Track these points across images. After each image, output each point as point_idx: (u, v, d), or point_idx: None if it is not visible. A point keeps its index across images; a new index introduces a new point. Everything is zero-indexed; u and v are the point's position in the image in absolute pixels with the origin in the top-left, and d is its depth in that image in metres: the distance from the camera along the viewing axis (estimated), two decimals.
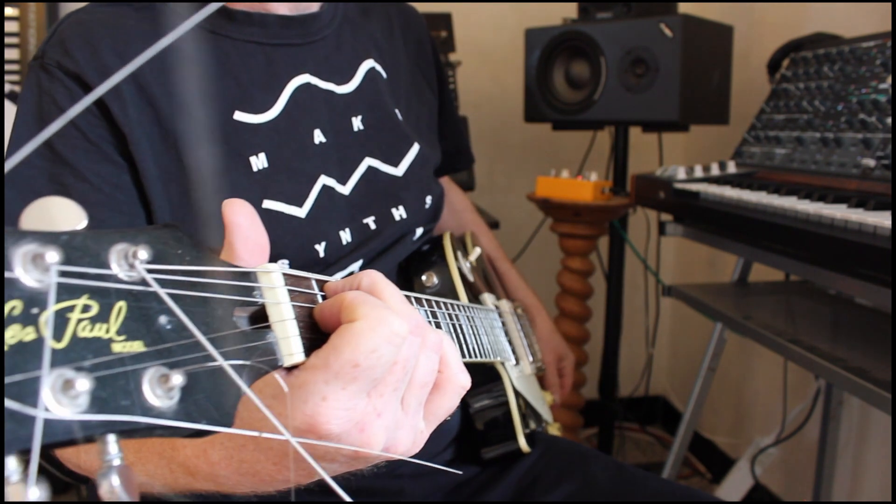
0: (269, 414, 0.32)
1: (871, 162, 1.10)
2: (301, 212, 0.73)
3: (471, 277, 0.90)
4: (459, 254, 0.89)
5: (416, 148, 0.85)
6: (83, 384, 0.27)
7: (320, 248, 0.74)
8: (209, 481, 0.47)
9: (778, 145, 1.33)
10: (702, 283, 1.57)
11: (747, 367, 1.99)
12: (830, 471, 1.58)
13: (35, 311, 0.26)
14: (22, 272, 0.26)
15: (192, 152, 0.68)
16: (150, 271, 0.30)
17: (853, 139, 1.17)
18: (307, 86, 0.77)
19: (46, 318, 0.26)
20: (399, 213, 0.81)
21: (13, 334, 0.25)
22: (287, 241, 0.71)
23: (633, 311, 2.23)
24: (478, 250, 0.96)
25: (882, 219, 0.87)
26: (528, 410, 0.88)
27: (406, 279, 0.84)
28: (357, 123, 0.80)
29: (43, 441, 0.24)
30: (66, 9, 1.82)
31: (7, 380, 0.24)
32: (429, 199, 0.86)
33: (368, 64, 0.84)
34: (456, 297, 0.83)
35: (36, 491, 0.24)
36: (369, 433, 0.38)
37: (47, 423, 0.25)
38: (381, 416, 0.39)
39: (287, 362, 0.36)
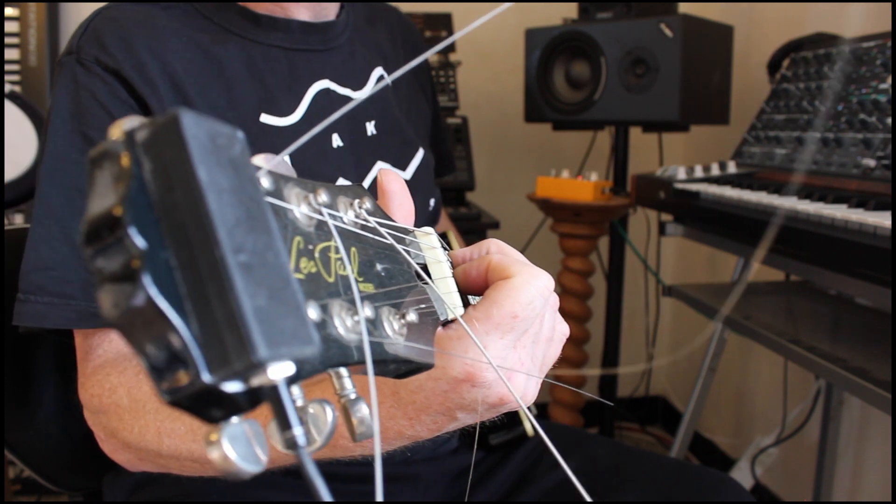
0: (480, 345, 0.38)
1: (871, 162, 1.10)
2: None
3: None
4: None
5: (420, 153, 0.88)
6: (365, 313, 0.29)
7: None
8: (328, 449, 0.50)
9: (778, 145, 1.33)
10: (702, 283, 1.57)
11: (747, 367, 1.99)
12: (830, 471, 1.58)
13: (310, 247, 0.28)
14: (297, 211, 0.28)
15: None
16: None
17: (853, 139, 1.17)
18: (326, 91, 0.79)
19: (318, 255, 0.28)
20: None
21: (305, 266, 0.27)
22: None
23: (633, 311, 2.23)
24: None
25: (882, 219, 0.87)
26: None
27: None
28: (371, 128, 0.82)
29: (335, 362, 0.27)
30: (67, 9, 1.82)
31: (317, 303, 0.26)
32: (432, 202, 0.89)
33: (378, 71, 0.86)
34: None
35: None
36: (514, 382, 0.42)
37: (338, 347, 0.27)
38: (523, 366, 0.42)
39: (450, 315, 0.39)
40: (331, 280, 0.28)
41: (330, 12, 0.81)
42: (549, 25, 1.68)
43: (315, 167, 0.75)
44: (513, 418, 0.87)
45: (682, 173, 1.35)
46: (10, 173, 1.37)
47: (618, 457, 0.84)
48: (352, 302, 0.29)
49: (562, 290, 1.80)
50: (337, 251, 0.30)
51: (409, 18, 0.99)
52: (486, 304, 0.39)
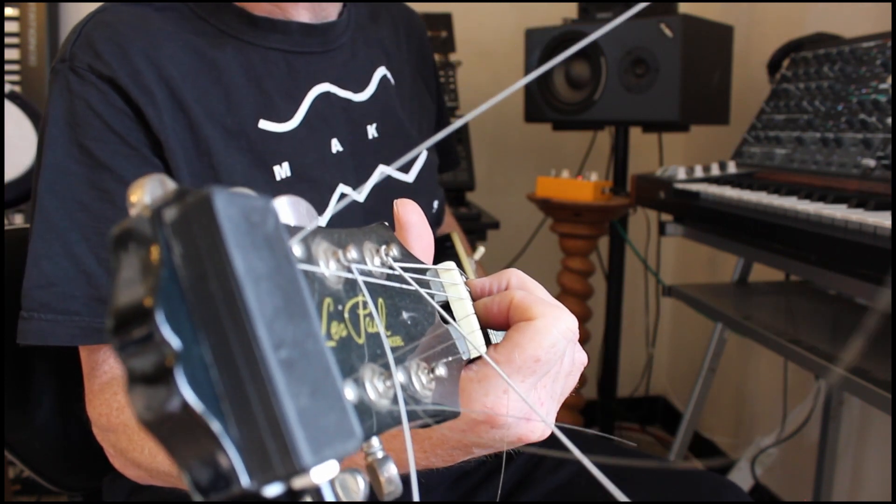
0: (524, 398, 0.37)
1: (871, 162, 1.10)
2: (321, 221, 0.73)
3: (477, 276, 0.91)
4: (466, 252, 0.90)
5: (423, 154, 0.86)
6: (400, 377, 0.29)
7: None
8: None
9: (778, 145, 1.33)
10: (702, 283, 1.57)
11: (747, 367, 1.99)
12: (830, 471, 1.58)
13: (340, 307, 0.27)
14: (325, 269, 0.27)
15: (220, 160, 0.67)
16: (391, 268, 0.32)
17: (853, 139, 1.17)
18: (327, 94, 0.77)
19: (348, 314, 0.27)
20: None
21: (336, 331, 0.26)
22: None
23: (633, 311, 2.23)
24: (482, 249, 0.97)
25: (882, 219, 0.87)
26: None
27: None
28: (372, 131, 0.81)
29: (369, 434, 0.26)
30: (67, 9, 1.82)
31: (352, 375, 0.26)
32: (436, 204, 0.88)
33: (381, 71, 0.84)
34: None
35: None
36: (534, 423, 0.41)
37: (371, 417, 0.26)
38: (543, 406, 0.41)
39: (474, 354, 0.38)
40: (360, 341, 0.28)
41: (331, 13, 0.78)
42: (549, 25, 1.68)
43: (314, 173, 0.73)
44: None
45: (682, 173, 1.35)
46: (10, 173, 1.37)
47: (618, 460, 0.84)
48: (383, 366, 0.28)
49: (562, 290, 1.80)
50: (365, 306, 0.29)
51: (414, 10, 0.97)
52: (509, 346, 0.38)
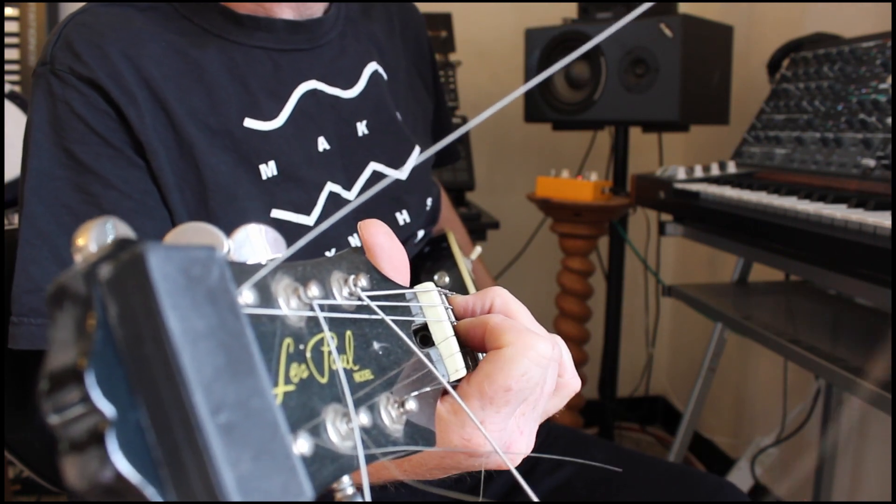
0: (483, 430, 0.36)
1: (871, 162, 1.10)
2: (309, 220, 0.72)
3: (472, 276, 0.90)
4: (462, 253, 0.90)
5: (416, 151, 0.85)
6: (363, 419, 0.28)
7: (329, 255, 0.74)
8: None
9: (778, 145, 1.33)
10: (702, 283, 1.57)
11: (747, 367, 1.99)
12: (830, 471, 1.58)
13: (301, 346, 0.26)
14: (286, 307, 0.26)
15: (204, 160, 0.67)
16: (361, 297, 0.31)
17: (853, 139, 1.17)
18: (314, 92, 0.76)
19: (310, 353, 0.26)
20: (403, 217, 0.81)
21: (296, 373, 0.25)
22: (297, 252, 0.71)
23: (633, 311, 2.23)
24: (478, 249, 0.97)
25: (882, 219, 0.87)
26: None
27: (415, 276, 0.85)
28: (362, 128, 0.79)
29: (330, 480, 0.25)
30: (67, 9, 1.81)
31: (310, 422, 0.25)
32: (429, 201, 0.86)
33: (372, 67, 0.83)
34: (467, 294, 0.84)
35: None
36: (514, 450, 0.41)
37: (334, 461, 0.25)
38: (524, 434, 0.41)
39: (454, 378, 0.38)
40: (324, 381, 0.27)
41: (316, 10, 0.77)
42: (549, 25, 1.68)
43: (301, 172, 0.72)
44: None
45: (681, 173, 1.35)
46: (10, 173, 1.37)
47: (617, 462, 0.83)
48: (347, 406, 0.27)
49: (562, 290, 1.80)
50: (328, 342, 0.28)
51: (417, 9, 0.95)
52: (479, 377, 0.37)
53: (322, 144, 0.75)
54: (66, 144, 0.64)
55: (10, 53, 1.71)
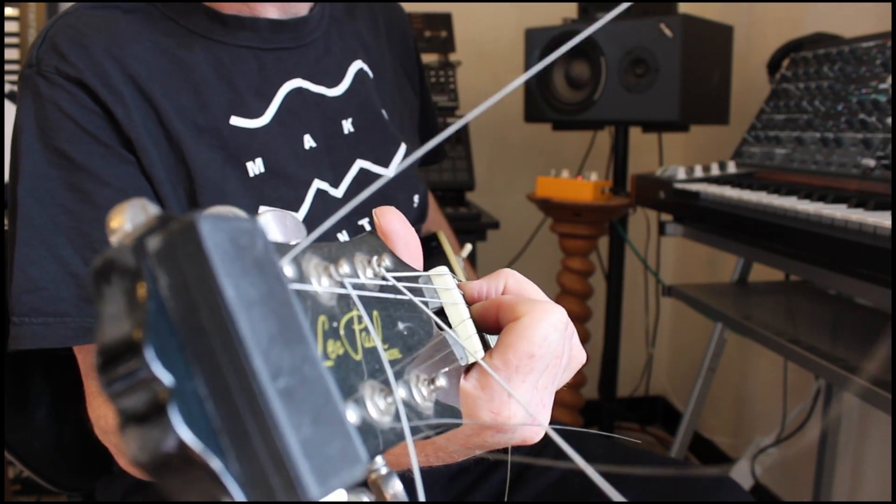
0: (521, 402, 0.37)
1: (871, 162, 1.10)
2: (297, 216, 0.73)
3: (465, 274, 0.90)
4: (453, 250, 0.90)
5: (403, 148, 0.85)
6: (401, 393, 0.28)
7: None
8: None
9: (778, 145, 1.33)
10: (702, 283, 1.57)
11: (747, 367, 1.99)
12: (830, 471, 1.58)
13: (335, 324, 0.26)
14: (318, 285, 0.26)
15: (192, 157, 0.68)
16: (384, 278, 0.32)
17: (853, 139, 1.17)
18: (299, 90, 0.76)
19: (343, 331, 0.27)
20: None
21: (332, 349, 0.26)
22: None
23: (633, 311, 2.23)
24: (469, 247, 0.97)
25: (882, 219, 0.87)
26: None
27: None
28: (347, 126, 0.80)
29: (374, 454, 0.25)
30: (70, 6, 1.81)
31: (353, 395, 0.25)
32: (416, 199, 0.86)
33: (357, 65, 0.83)
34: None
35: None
36: (539, 422, 0.41)
37: (375, 436, 0.26)
38: (546, 406, 0.41)
39: (471, 360, 0.38)
40: (358, 358, 0.27)
41: (301, 9, 0.78)
42: (549, 25, 1.68)
43: (288, 169, 0.73)
44: None
45: (681, 173, 1.35)
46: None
47: (614, 458, 0.84)
48: (383, 382, 0.28)
49: (562, 290, 1.80)
50: (360, 320, 0.28)
51: (402, 8, 0.96)
52: (502, 349, 0.38)
53: (308, 142, 0.76)
54: (56, 144, 0.64)
55: (10, 53, 1.71)
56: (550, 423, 0.42)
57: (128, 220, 0.21)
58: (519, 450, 0.87)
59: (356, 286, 0.29)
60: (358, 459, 0.22)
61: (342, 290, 0.27)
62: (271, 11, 0.75)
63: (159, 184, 0.66)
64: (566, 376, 0.46)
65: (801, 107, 1.32)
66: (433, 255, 0.87)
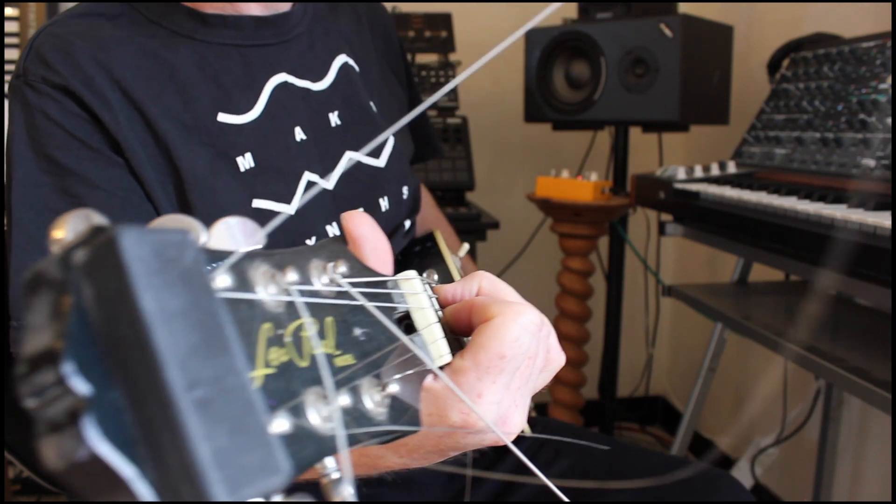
0: (475, 408, 0.37)
1: (871, 162, 1.10)
2: (290, 209, 0.74)
3: (462, 273, 0.90)
4: (450, 250, 0.90)
5: (391, 141, 0.86)
6: (343, 400, 0.28)
7: (310, 244, 0.74)
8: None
9: (778, 145, 1.33)
10: (702, 283, 1.57)
11: (747, 367, 1.99)
12: (830, 471, 1.58)
13: (281, 331, 0.27)
14: (264, 293, 0.26)
15: (180, 155, 0.69)
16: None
17: (853, 139, 1.17)
18: (284, 84, 0.77)
19: (290, 338, 0.27)
20: (384, 204, 0.82)
21: (276, 356, 0.26)
22: (278, 238, 0.71)
23: (633, 311, 2.23)
24: (466, 246, 0.97)
25: (882, 219, 0.87)
26: None
27: None
28: (334, 119, 0.81)
29: (313, 460, 0.25)
30: (66, 9, 1.81)
31: (289, 403, 0.25)
32: (405, 190, 0.87)
33: (341, 59, 0.84)
34: None
35: None
36: (510, 424, 0.41)
37: (315, 442, 0.26)
38: (518, 407, 0.41)
39: (438, 363, 0.39)
40: (304, 364, 0.27)
41: (282, 6, 0.79)
42: (549, 25, 1.68)
43: (280, 162, 0.74)
44: None
45: (681, 173, 1.35)
46: None
47: (613, 454, 0.84)
48: (328, 387, 0.28)
49: (562, 289, 1.80)
50: (310, 327, 0.28)
51: (384, 7, 0.97)
52: (473, 349, 0.38)
53: (299, 134, 0.77)
54: (47, 151, 0.65)
55: (10, 53, 1.71)
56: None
57: (70, 230, 0.21)
58: (519, 447, 0.87)
59: (307, 293, 0.29)
60: (278, 470, 0.22)
61: (285, 298, 0.27)
62: (253, 9, 0.76)
63: (149, 184, 0.67)
64: (543, 378, 0.46)
65: (801, 107, 1.32)
66: (429, 254, 0.87)
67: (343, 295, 0.32)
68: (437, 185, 1.65)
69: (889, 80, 1.16)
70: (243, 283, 0.26)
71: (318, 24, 0.84)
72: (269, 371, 0.25)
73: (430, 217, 1.14)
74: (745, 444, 1.92)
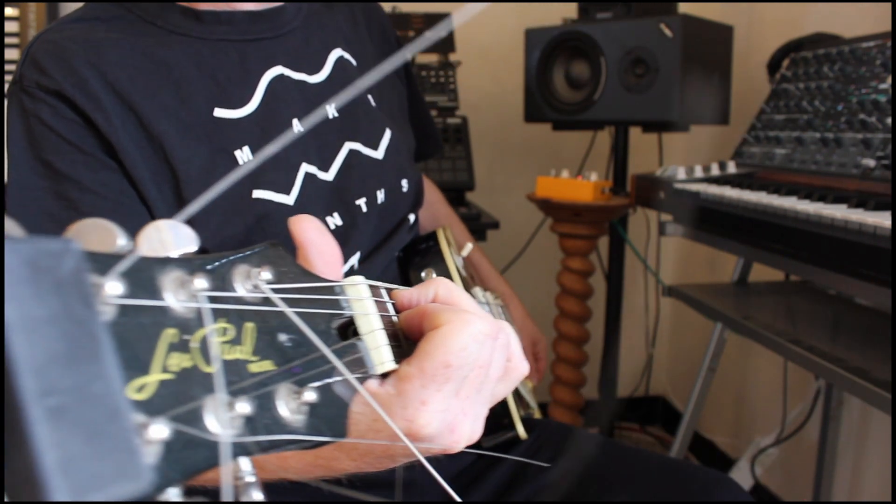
0: (391, 423, 0.36)
1: (871, 162, 1.10)
2: (289, 199, 0.74)
3: (464, 273, 0.90)
4: (452, 249, 0.90)
5: (388, 133, 0.86)
6: (243, 407, 0.28)
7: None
8: (278, 472, 0.49)
9: (778, 145, 1.33)
10: (702, 284, 1.57)
11: (747, 367, 1.99)
12: (830, 471, 1.58)
13: (187, 337, 0.27)
14: (173, 299, 0.27)
15: (177, 153, 0.69)
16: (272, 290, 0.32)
17: (853, 139, 1.17)
18: (281, 77, 0.77)
19: (197, 344, 0.27)
20: (381, 195, 0.82)
21: (177, 362, 0.26)
22: (280, 230, 0.72)
23: (633, 311, 2.23)
24: (469, 246, 0.97)
25: (882, 219, 0.87)
26: (518, 397, 0.90)
27: (404, 273, 0.85)
28: (331, 111, 0.81)
29: (203, 466, 0.26)
30: (66, 9, 1.81)
31: (181, 409, 0.25)
32: (405, 183, 0.86)
33: (337, 53, 0.84)
34: None
35: None
36: (458, 433, 0.41)
37: (209, 448, 0.26)
38: (467, 415, 0.41)
39: (379, 371, 0.38)
40: (208, 370, 0.27)
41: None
42: (549, 25, 1.68)
43: (277, 155, 0.74)
44: (505, 422, 0.86)
45: (681, 173, 1.35)
46: None
47: (610, 455, 0.84)
48: (232, 394, 0.28)
49: (562, 289, 1.80)
50: (224, 332, 0.28)
51: (379, 5, 0.97)
52: (419, 356, 0.38)
53: (297, 126, 0.77)
54: (42, 156, 0.66)
55: (10, 53, 1.71)
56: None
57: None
58: (517, 449, 0.87)
59: (227, 299, 0.29)
60: (137, 475, 0.22)
61: (192, 305, 0.27)
62: (247, 5, 0.76)
63: (144, 185, 0.68)
64: (503, 387, 0.46)
65: (801, 107, 1.32)
66: (430, 254, 0.87)
67: (269, 301, 0.32)
68: (437, 185, 1.65)
69: (889, 80, 1.16)
70: (147, 289, 0.26)
71: (313, 19, 0.84)
72: (166, 376, 0.25)
73: (442, 213, 1.14)
74: (744, 444, 1.92)
